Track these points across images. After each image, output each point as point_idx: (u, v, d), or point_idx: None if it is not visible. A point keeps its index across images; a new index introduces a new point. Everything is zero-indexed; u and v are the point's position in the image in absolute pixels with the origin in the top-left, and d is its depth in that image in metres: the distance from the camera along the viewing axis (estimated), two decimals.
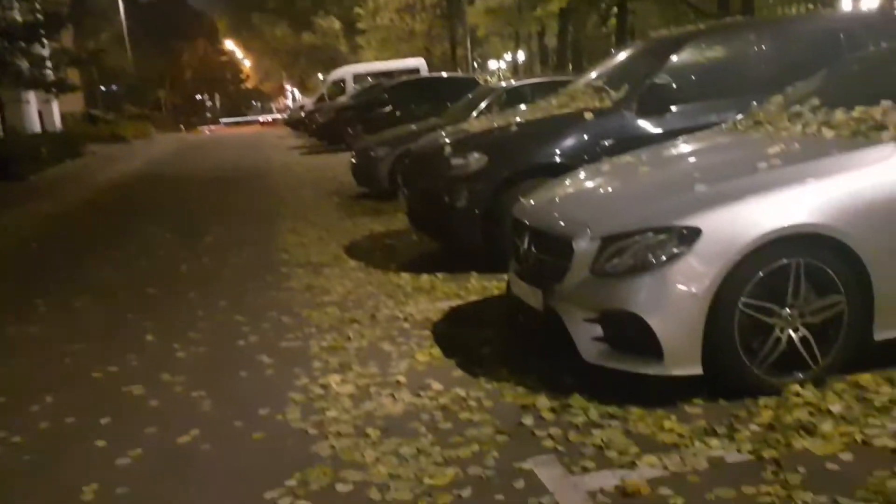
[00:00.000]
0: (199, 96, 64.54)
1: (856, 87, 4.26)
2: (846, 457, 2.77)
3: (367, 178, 10.37)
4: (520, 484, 2.78)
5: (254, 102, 77.85)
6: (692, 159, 4.23)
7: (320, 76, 46.57)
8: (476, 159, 5.69)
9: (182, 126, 49.03)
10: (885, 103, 3.69)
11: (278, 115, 57.24)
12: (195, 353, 4.58)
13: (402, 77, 19.57)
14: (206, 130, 49.70)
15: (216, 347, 4.64)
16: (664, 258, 3.25)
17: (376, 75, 23.82)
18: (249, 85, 71.26)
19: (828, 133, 3.73)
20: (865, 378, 3.35)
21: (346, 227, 8.26)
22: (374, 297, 5.38)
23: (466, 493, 2.75)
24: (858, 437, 2.88)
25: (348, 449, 3.13)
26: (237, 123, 58.66)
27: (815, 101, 4.13)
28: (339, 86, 25.31)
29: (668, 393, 3.31)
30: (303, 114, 27.90)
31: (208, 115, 64.16)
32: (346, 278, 5.98)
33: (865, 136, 3.55)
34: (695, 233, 3.23)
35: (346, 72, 26.34)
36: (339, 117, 18.25)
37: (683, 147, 4.38)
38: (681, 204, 3.40)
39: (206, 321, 5.17)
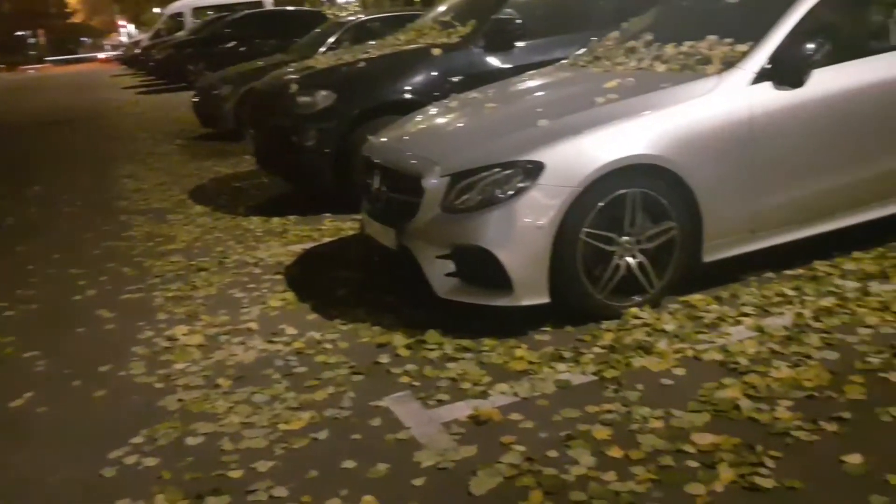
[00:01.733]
0: (20, 33, 58.79)
1: (685, 23, 4.44)
2: (679, 372, 2.97)
3: (210, 118, 9.88)
4: (376, 421, 2.80)
5: (83, 39, 71.90)
6: (536, 95, 4.29)
7: (157, 10, 43.50)
8: (323, 97, 5.53)
9: (2, 66, 44.61)
10: (711, 37, 3.88)
11: (113, 53, 53.14)
12: (26, 310, 4.25)
13: (246, 10, 18.60)
14: (32, 70, 45.46)
15: (50, 304, 4.32)
16: (510, 193, 3.31)
17: (217, 8, 22.52)
18: (77, 20, 65.67)
19: (660, 67, 3.90)
20: (696, 298, 3.59)
21: (189, 171, 7.87)
22: (223, 242, 5.19)
23: (323, 435, 2.73)
24: (690, 353, 3.09)
25: (198, 401, 3.03)
26: (69, 62, 53.99)
27: (649, 37, 4.29)
28: (177, 20, 23.77)
29: (520, 323, 3.42)
30: (139, 51, 26.07)
31: (32, 53, 58.66)
32: (191, 224, 5.72)
33: (693, 69, 3.73)
34: (538, 167, 3.30)
35: (185, 4, 24.71)
36: (179, 54, 17.20)
37: (528, 83, 4.44)
38: (525, 139, 3.46)
39: (37, 276, 4.80)
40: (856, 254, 3.96)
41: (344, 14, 14.09)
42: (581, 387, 2.93)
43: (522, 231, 3.30)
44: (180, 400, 3.05)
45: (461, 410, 2.83)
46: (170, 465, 2.62)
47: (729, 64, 3.64)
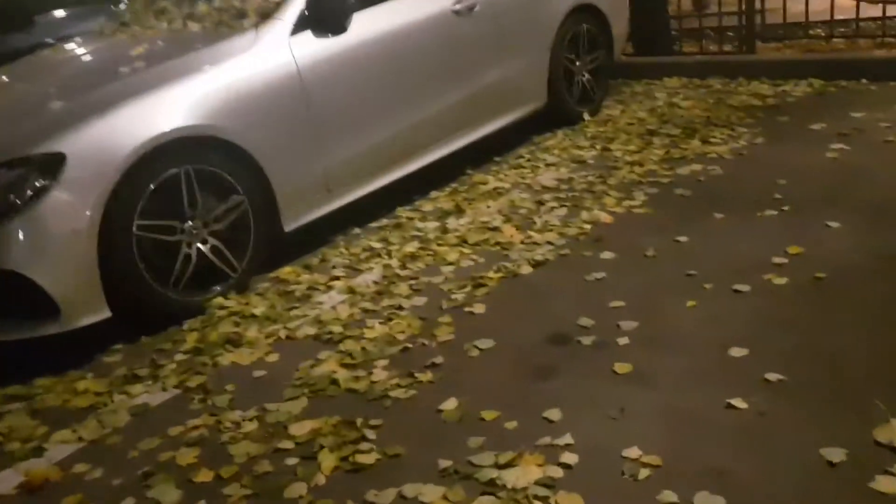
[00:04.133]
0: None
1: None
2: (273, 358, 2.67)
3: None
4: None
5: None
6: (52, 74, 3.60)
7: None
8: None
9: None
10: None
11: None
12: None
13: None
14: None
15: None
16: (28, 196, 2.67)
17: None
18: None
19: (194, 26, 3.49)
20: (286, 271, 3.34)
21: None
22: None
23: None
24: (283, 334, 2.81)
25: None
26: None
27: None
28: None
29: (84, 348, 2.84)
30: None
31: None
32: None
33: (229, 25, 3.40)
34: (58, 160, 2.70)
35: None
36: None
37: (42, 61, 3.73)
38: (37, 128, 2.83)
39: None
40: (433, 193, 4.05)
41: None
42: (161, 407, 2.47)
43: (55, 240, 2.69)
44: None
45: (8, 481, 2.20)
46: None
47: (265, 16, 3.37)
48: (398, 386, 2.37)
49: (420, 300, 2.93)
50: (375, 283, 3.13)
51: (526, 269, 3.05)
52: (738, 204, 3.37)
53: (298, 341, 2.77)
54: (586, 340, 2.45)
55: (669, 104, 5.11)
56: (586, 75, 5.00)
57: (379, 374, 2.45)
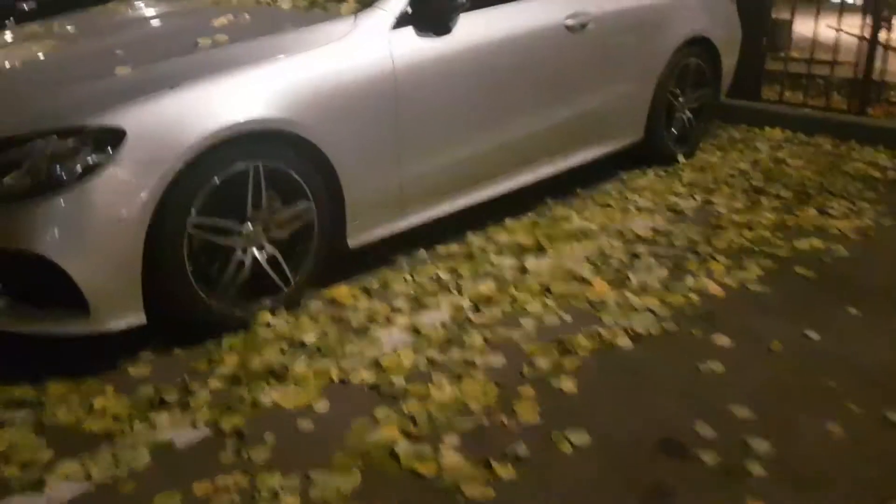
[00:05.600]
0: None
1: None
2: (321, 407, 2.27)
3: None
4: None
5: None
6: (118, 33, 3.20)
7: None
8: None
9: None
10: None
11: None
12: None
13: None
14: None
15: None
16: (77, 172, 2.29)
17: None
18: None
19: (284, 3, 3.10)
20: (342, 291, 2.94)
21: None
22: None
23: None
24: (335, 375, 2.42)
25: None
26: None
27: None
28: None
29: (108, 351, 2.48)
30: None
31: None
32: None
33: (324, 8, 3.00)
34: (117, 135, 2.32)
35: None
36: None
37: (108, 16, 3.36)
38: (97, 95, 2.44)
39: None
40: (508, 222, 3.63)
41: None
42: (188, 450, 2.08)
43: (99, 227, 2.32)
44: None
45: None
46: None
47: (366, 3, 2.97)
48: (473, 479, 1.96)
49: (496, 359, 2.52)
50: (444, 325, 2.73)
51: (624, 341, 2.62)
52: (873, 299, 2.91)
53: (353, 388, 2.37)
54: (708, 458, 2.02)
55: (775, 159, 4.64)
56: (688, 113, 4.56)
57: (448, 456, 2.04)
